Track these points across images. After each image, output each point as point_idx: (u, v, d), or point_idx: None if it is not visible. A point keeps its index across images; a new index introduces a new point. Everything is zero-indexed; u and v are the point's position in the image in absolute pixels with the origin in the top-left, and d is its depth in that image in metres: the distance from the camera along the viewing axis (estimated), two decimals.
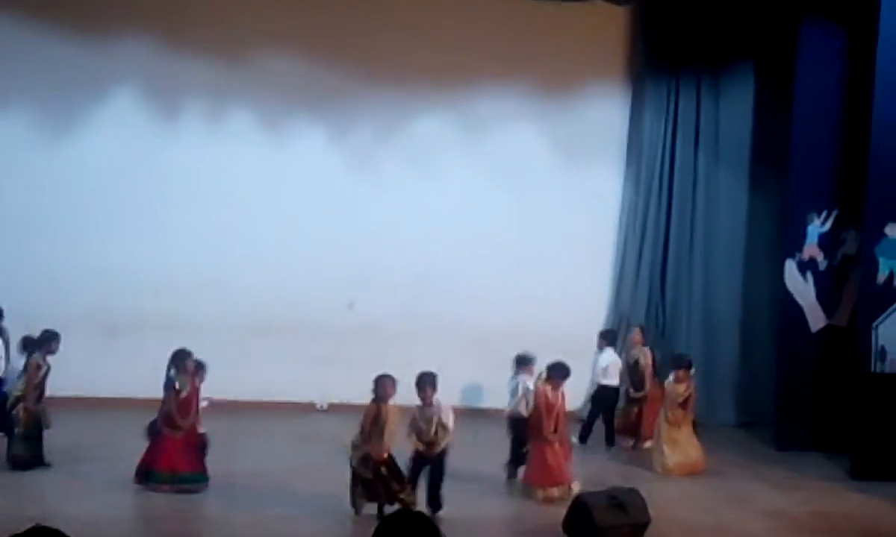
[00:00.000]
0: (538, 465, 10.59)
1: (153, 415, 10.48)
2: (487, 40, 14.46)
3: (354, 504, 9.62)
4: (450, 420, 9.87)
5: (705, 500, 10.90)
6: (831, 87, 12.99)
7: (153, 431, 10.37)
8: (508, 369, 11.65)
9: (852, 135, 12.72)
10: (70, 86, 14.06)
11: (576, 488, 10.27)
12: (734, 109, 14.91)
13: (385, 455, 9.58)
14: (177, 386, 10.36)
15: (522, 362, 11.46)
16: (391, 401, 9.70)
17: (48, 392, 11.14)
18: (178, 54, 14.13)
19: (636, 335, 13.45)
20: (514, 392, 11.46)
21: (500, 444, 11.88)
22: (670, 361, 12.56)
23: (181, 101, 14.36)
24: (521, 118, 14.72)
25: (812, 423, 12.94)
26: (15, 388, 11.17)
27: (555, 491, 10.39)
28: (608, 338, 13.42)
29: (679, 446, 11.90)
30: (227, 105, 14.40)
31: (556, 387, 10.71)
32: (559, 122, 14.79)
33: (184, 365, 10.46)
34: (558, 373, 10.76)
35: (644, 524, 9.32)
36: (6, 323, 12.33)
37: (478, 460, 11.74)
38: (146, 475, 10.24)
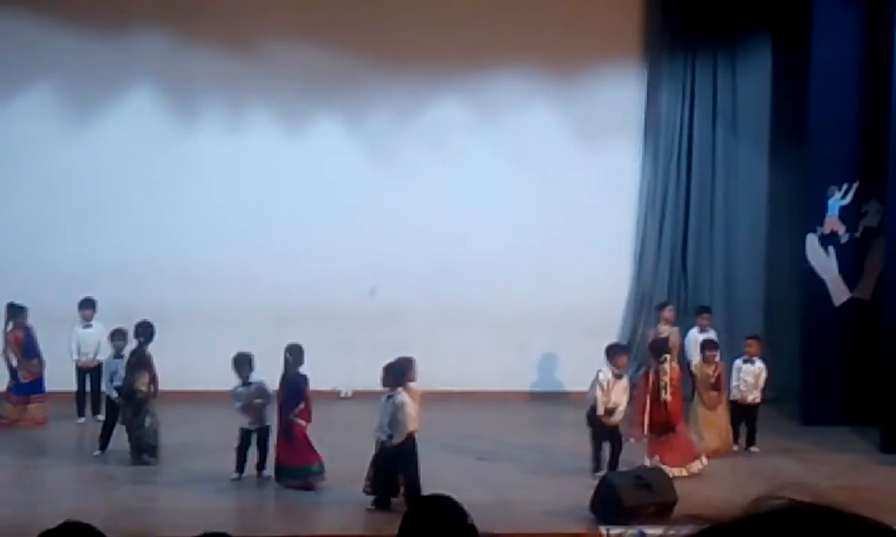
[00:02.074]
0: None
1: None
2: (501, 21, 14.39)
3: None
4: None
5: (732, 477, 10.87)
6: (849, 57, 12.87)
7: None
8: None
9: (871, 105, 12.62)
10: (87, 80, 14.08)
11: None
12: (752, 83, 14.81)
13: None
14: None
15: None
16: (412, 385, 9.70)
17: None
18: (194, 47, 14.13)
19: (669, 313, 13.37)
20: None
21: (524, 426, 11.92)
22: (701, 345, 12.43)
23: (198, 94, 14.37)
24: (537, 99, 14.66)
25: (838, 397, 12.87)
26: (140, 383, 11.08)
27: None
28: None
29: (716, 428, 11.76)
30: (243, 96, 14.41)
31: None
32: (576, 101, 14.72)
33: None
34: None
35: (671, 503, 9.31)
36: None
37: (503, 442, 11.77)
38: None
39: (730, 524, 1.65)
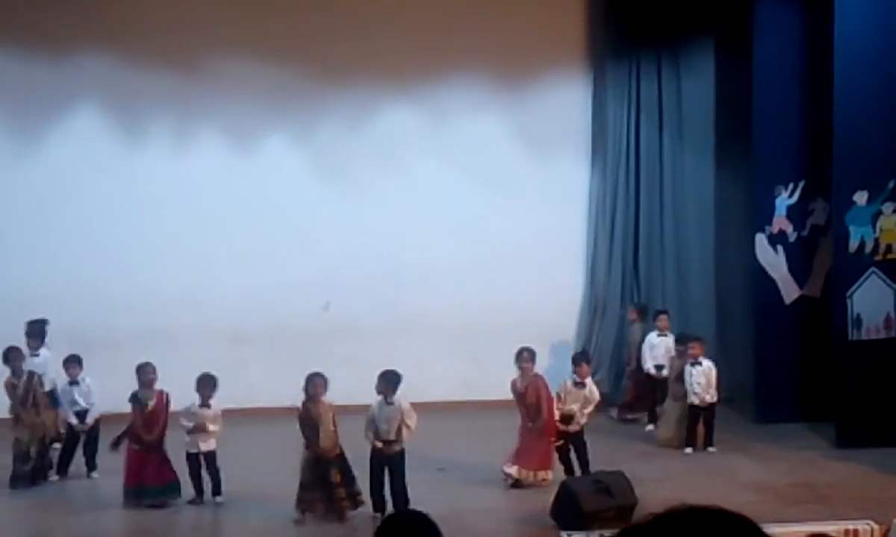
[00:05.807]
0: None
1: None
2: (448, 32, 14.41)
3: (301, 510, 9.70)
4: (412, 419, 9.86)
5: (690, 477, 10.94)
6: (791, 58, 13.04)
7: (117, 447, 10.32)
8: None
9: (814, 104, 12.77)
10: (31, 104, 13.93)
11: (544, 476, 10.37)
12: (696, 86, 14.95)
13: (335, 450, 9.63)
14: (140, 400, 10.34)
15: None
16: (323, 398, 9.85)
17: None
18: (138, 66, 14.00)
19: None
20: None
21: (481, 436, 11.91)
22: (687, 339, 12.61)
23: (144, 114, 14.24)
24: (485, 109, 14.70)
25: (792, 395, 13.00)
26: None
27: (513, 472, 10.52)
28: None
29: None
30: (190, 115, 14.30)
31: (524, 373, 10.76)
32: (524, 111, 14.78)
33: (146, 379, 10.42)
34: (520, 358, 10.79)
35: (631, 506, 9.34)
36: None
37: (461, 452, 11.76)
38: (132, 494, 10.15)
39: (637, 526, 1.89)
